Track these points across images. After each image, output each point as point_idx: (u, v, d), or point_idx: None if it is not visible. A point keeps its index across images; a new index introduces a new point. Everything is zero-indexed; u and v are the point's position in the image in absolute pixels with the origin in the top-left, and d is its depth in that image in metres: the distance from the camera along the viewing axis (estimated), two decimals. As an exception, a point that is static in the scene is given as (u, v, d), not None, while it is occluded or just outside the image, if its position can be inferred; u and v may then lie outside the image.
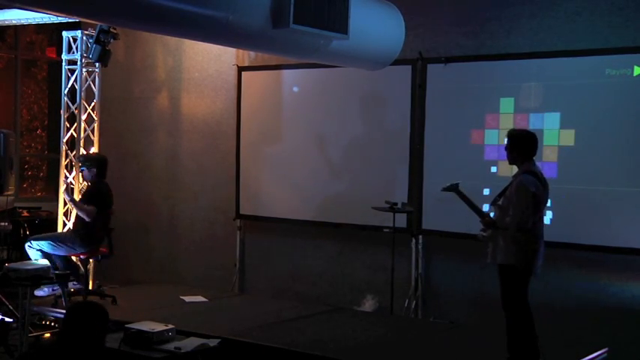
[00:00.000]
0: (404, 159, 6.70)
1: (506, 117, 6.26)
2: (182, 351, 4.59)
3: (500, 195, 4.91)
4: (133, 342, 4.66)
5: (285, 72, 7.37)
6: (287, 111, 7.41)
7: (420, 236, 6.70)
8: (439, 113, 6.57)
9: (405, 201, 6.55)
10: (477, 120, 6.39)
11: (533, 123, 6.09)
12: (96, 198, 6.50)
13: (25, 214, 7.97)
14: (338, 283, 7.17)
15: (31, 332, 5.74)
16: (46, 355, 3.05)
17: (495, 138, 6.30)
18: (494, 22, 6.41)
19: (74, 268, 6.54)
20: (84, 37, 7.30)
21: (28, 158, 9.73)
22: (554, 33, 6.14)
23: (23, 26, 8.44)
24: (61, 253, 6.39)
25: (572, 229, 5.92)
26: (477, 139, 6.40)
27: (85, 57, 7.32)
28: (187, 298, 6.76)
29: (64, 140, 7.60)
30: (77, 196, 7.08)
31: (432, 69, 6.57)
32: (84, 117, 7.54)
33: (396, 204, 6.30)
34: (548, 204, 5.13)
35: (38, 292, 6.24)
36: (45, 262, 6.09)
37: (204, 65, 7.98)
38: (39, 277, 5.81)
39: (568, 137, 6.00)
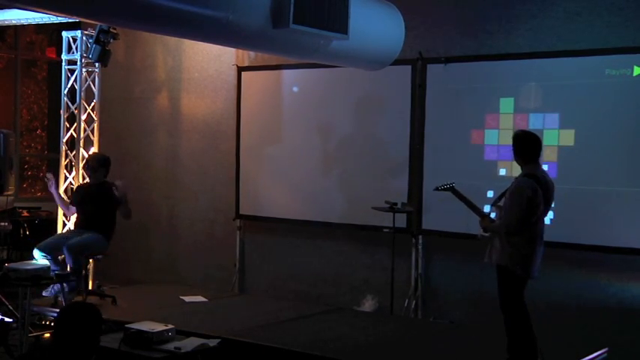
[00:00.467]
0: (404, 159, 6.70)
1: (506, 117, 6.26)
2: (182, 351, 4.59)
3: (501, 196, 4.91)
4: (132, 342, 4.66)
5: (285, 72, 7.37)
6: (287, 111, 7.41)
7: (420, 236, 6.70)
8: (439, 113, 6.58)
9: (405, 201, 6.55)
10: (476, 120, 6.39)
11: (533, 123, 6.09)
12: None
13: (25, 214, 7.97)
14: (338, 283, 7.17)
15: (31, 332, 5.74)
16: (43, 356, 3.04)
17: (495, 138, 6.30)
18: (494, 22, 6.41)
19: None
20: (84, 37, 7.31)
21: (27, 158, 9.73)
22: (554, 33, 6.14)
23: (23, 26, 8.45)
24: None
25: (572, 229, 5.92)
26: (477, 139, 6.40)
27: (85, 57, 7.33)
28: (187, 298, 6.76)
29: (64, 140, 7.60)
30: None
31: (432, 69, 6.58)
32: (84, 117, 7.54)
33: (395, 204, 6.30)
34: (548, 204, 5.13)
35: (45, 293, 6.23)
36: (45, 262, 6.08)
37: (204, 65, 7.98)
38: (39, 277, 5.80)
39: (568, 137, 6.00)
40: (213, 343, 4.79)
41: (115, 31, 6.91)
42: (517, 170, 5.02)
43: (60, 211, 7.36)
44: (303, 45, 5.46)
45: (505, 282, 4.79)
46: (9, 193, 7.25)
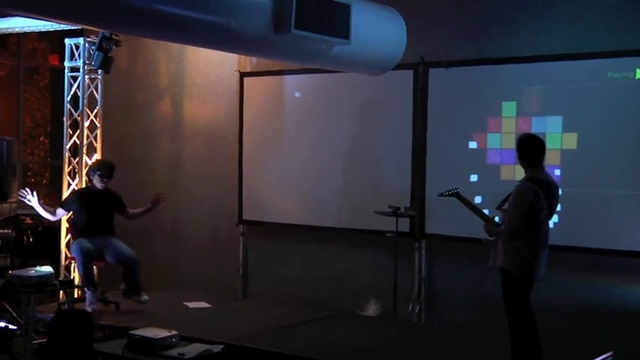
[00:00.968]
0: (406, 163, 6.70)
1: (509, 121, 6.25)
2: (186, 357, 4.59)
3: (505, 200, 4.91)
4: (136, 348, 4.67)
5: (287, 77, 7.37)
6: (289, 116, 7.42)
7: (423, 240, 6.70)
8: (441, 117, 6.57)
9: (408, 205, 6.55)
10: (479, 124, 6.38)
11: (535, 127, 6.08)
12: None
13: (28, 221, 7.96)
14: (341, 288, 7.16)
15: (35, 339, 5.74)
16: None
17: (497, 142, 6.30)
18: (495, 25, 6.41)
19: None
20: (86, 44, 7.32)
21: (31, 165, 9.75)
22: (556, 36, 6.14)
23: (26, 34, 8.47)
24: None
25: (576, 233, 5.91)
26: (479, 143, 6.39)
27: (88, 64, 7.34)
28: (191, 304, 6.76)
29: (67, 147, 7.61)
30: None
31: (434, 73, 6.58)
32: (87, 124, 7.55)
33: (398, 208, 6.30)
34: (552, 207, 5.11)
35: (89, 308, 6.20)
36: (48, 269, 6.08)
37: (207, 71, 7.99)
38: (42, 283, 5.81)
39: (571, 141, 6.00)
40: (217, 348, 4.80)
41: (117, 38, 6.93)
42: (520, 173, 5.02)
43: (63, 218, 7.36)
44: (305, 50, 5.46)
45: (509, 285, 4.79)
46: (12, 200, 7.26)
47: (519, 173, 5.03)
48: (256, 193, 7.55)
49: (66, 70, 7.54)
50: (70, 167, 7.58)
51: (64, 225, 7.37)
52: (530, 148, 4.84)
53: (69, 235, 7.26)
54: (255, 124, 7.58)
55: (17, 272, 5.93)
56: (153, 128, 8.35)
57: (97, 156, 7.58)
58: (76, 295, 7.07)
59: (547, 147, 5.76)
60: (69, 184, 7.52)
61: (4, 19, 7.33)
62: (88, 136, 7.57)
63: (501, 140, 6.28)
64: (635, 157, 5.78)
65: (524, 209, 4.67)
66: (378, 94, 6.89)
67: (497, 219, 5.02)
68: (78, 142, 7.52)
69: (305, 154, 7.28)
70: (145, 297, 6.57)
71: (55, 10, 4.35)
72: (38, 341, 5.84)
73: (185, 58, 8.10)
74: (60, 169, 7.78)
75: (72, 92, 7.54)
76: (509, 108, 6.26)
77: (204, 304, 6.79)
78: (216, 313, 6.57)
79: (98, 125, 7.68)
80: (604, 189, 5.87)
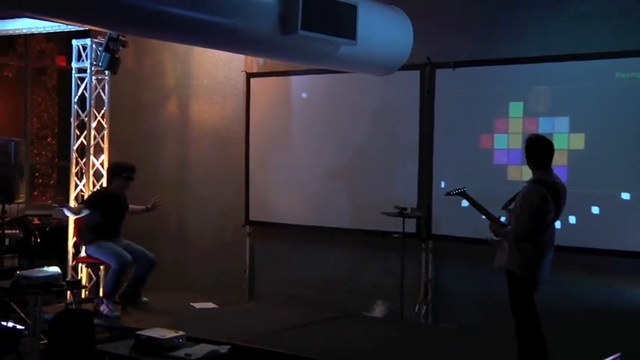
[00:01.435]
0: (413, 164, 6.69)
1: (516, 121, 6.24)
2: (192, 357, 4.60)
3: (511, 200, 4.89)
4: (143, 349, 4.68)
5: (294, 78, 7.38)
6: (296, 117, 7.42)
7: (430, 241, 6.69)
8: (448, 118, 6.56)
9: (415, 206, 6.54)
10: (486, 124, 6.37)
11: (542, 127, 6.06)
12: None
13: (36, 221, 8.00)
14: (347, 289, 7.15)
15: (42, 339, 5.75)
16: None
17: (504, 142, 6.28)
18: (502, 26, 6.39)
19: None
20: (93, 45, 7.34)
21: (38, 166, 9.79)
22: (563, 37, 6.12)
23: (33, 35, 8.50)
24: None
25: (583, 234, 5.89)
26: (486, 144, 6.38)
27: (95, 65, 7.36)
28: (197, 305, 6.76)
29: (74, 148, 7.63)
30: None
31: (441, 74, 6.57)
32: (94, 125, 7.57)
33: (405, 209, 6.29)
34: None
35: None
36: (56, 269, 6.10)
37: (213, 72, 8.00)
38: (49, 284, 5.83)
39: (578, 141, 5.98)
40: (223, 349, 4.80)
41: (124, 39, 6.95)
42: (527, 174, 5.01)
43: (71, 219, 7.38)
44: (312, 51, 5.47)
45: (514, 287, 4.78)
46: (20, 201, 7.29)
47: (526, 174, 5.01)
48: (263, 193, 7.56)
49: (73, 71, 7.56)
50: (78, 168, 7.60)
51: (72, 226, 7.39)
52: (539, 150, 4.81)
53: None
54: (261, 124, 7.58)
55: (25, 273, 5.95)
56: (159, 129, 8.37)
57: (104, 157, 7.60)
58: (83, 296, 7.10)
59: (554, 147, 5.75)
60: (76, 185, 7.54)
61: (12, 20, 7.37)
62: (95, 137, 7.59)
63: (508, 141, 6.26)
64: (643, 158, 5.76)
65: (531, 212, 4.65)
66: (384, 94, 6.89)
67: (502, 219, 5.01)
68: (85, 142, 7.54)
69: (312, 154, 7.28)
70: (146, 299, 6.62)
71: (62, 10, 4.36)
72: (45, 341, 5.85)
73: (192, 58, 8.11)
74: (67, 169, 7.80)
75: (79, 93, 7.56)
76: (516, 108, 6.25)
77: (210, 305, 6.80)
78: (223, 313, 6.57)
79: (105, 126, 7.70)
80: (611, 189, 5.85)
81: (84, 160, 7.54)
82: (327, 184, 7.17)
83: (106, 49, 6.91)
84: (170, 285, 7.86)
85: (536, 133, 5.47)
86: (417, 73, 6.64)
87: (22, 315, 6.11)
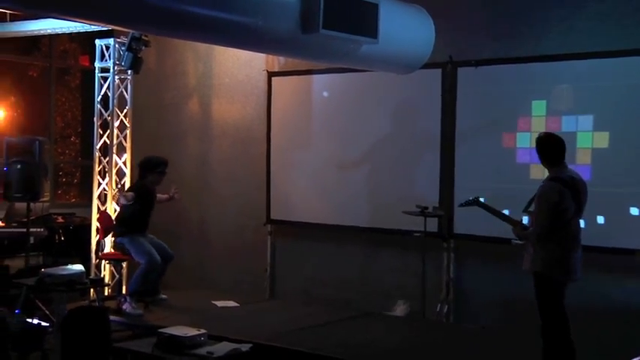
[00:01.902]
0: (435, 163, 6.66)
1: (539, 120, 6.19)
2: (214, 356, 4.61)
3: (530, 201, 4.86)
4: (165, 347, 4.70)
5: (315, 77, 7.38)
6: (317, 116, 7.42)
7: (452, 240, 6.65)
8: (470, 117, 6.52)
9: (436, 205, 6.51)
10: (508, 123, 6.32)
11: (566, 125, 6.01)
12: None
13: (60, 220, 8.08)
14: (368, 288, 7.14)
15: (66, 336, 5.80)
16: None
17: (527, 141, 6.23)
18: (524, 24, 6.34)
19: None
20: (116, 45, 7.40)
21: (62, 165, 9.88)
22: (586, 34, 6.06)
23: (57, 35, 8.59)
24: None
25: (608, 233, 5.82)
26: (508, 143, 6.34)
27: (118, 64, 7.42)
28: (219, 303, 6.79)
29: (97, 147, 7.70)
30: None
31: (463, 72, 6.53)
32: (116, 124, 7.64)
33: (426, 208, 6.26)
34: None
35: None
36: (79, 267, 6.15)
37: (235, 71, 8.02)
38: (73, 282, 5.89)
39: (602, 139, 5.91)
40: (245, 347, 4.81)
41: (146, 39, 7.00)
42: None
43: (94, 217, 7.46)
44: (333, 50, 5.46)
45: (541, 288, 4.72)
46: (44, 199, 7.36)
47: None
48: (284, 192, 7.57)
49: (96, 71, 7.63)
50: (100, 167, 7.67)
51: (94, 224, 7.46)
52: (549, 148, 4.79)
53: (99, 234, 7.33)
54: (282, 123, 7.59)
55: (49, 270, 6.02)
56: (181, 128, 8.41)
57: (127, 156, 7.66)
58: (106, 293, 7.16)
59: (577, 146, 5.70)
60: (99, 184, 7.61)
61: (37, 20, 7.44)
62: (117, 136, 7.65)
63: (531, 139, 6.19)
64: (669, 157, 5.68)
65: (549, 210, 4.62)
66: (406, 93, 6.86)
67: (525, 220, 4.96)
68: (108, 141, 7.61)
69: (333, 153, 7.27)
70: (165, 296, 6.66)
71: (86, 11, 4.40)
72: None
73: (213, 58, 8.14)
74: (90, 168, 7.87)
75: (102, 92, 7.62)
76: (539, 107, 6.20)
77: (232, 304, 6.82)
78: (244, 312, 6.60)
79: (127, 125, 7.76)
80: (636, 188, 5.78)
81: (107, 158, 7.61)
82: (348, 183, 7.16)
83: (129, 48, 6.96)
84: (191, 283, 7.91)
85: (544, 131, 5.40)
86: (439, 71, 6.61)
87: (47, 312, 6.17)
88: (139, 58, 7.04)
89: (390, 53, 5.79)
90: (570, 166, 4.94)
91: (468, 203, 5.15)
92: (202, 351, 4.66)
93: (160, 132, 8.52)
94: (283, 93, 7.60)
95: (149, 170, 6.67)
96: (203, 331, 4.86)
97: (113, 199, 7.40)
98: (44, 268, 6.48)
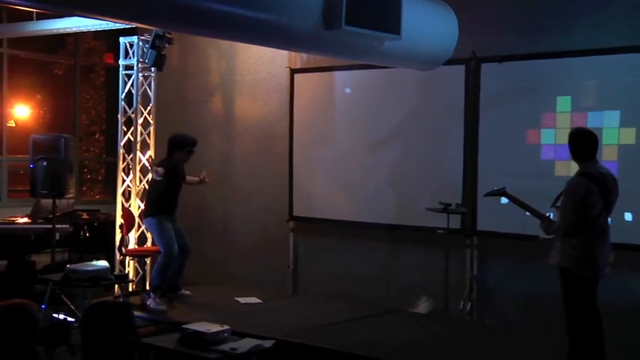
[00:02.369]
0: (458, 159, 6.62)
1: (564, 116, 6.12)
2: (237, 352, 4.63)
3: (558, 197, 4.81)
4: (189, 342, 4.73)
5: (338, 73, 7.37)
6: (340, 112, 7.41)
7: (475, 237, 6.61)
8: (493, 113, 6.47)
9: (459, 202, 6.47)
10: (532, 119, 6.27)
11: (591, 121, 5.93)
12: None
13: (85, 216, 8.16)
14: (391, 285, 7.12)
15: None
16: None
17: (552, 137, 6.17)
18: (549, 19, 6.27)
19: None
20: (140, 43, 7.45)
21: (87, 162, 9.98)
22: (612, 29, 5.97)
23: (82, 33, 8.66)
24: None
25: (635, 230, 5.75)
26: (532, 139, 6.28)
27: (142, 62, 7.47)
28: (242, 300, 6.82)
29: (122, 144, 7.77)
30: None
31: (486, 68, 6.48)
32: (140, 121, 7.69)
33: (450, 205, 6.23)
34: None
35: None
36: (104, 263, 6.21)
37: (257, 68, 8.04)
38: (98, 278, 5.95)
39: (629, 135, 5.83)
40: (268, 344, 4.82)
41: (170, 36, 7.03)
42: (575, 169, 4.89)
43: (118, 214, 7.51)
44: (356, 46, 5.45)
45: (568, 284, 4.66)
46: (69, 196, 7.44)
47: (574, 169, 4.90)
48: (306, 189, 7.57)
49: (120, 69, 7.69)
50: (125, 164, 7.73)
51: (118, 221, 7.52)
52: (581, 143, 4.74)
53: (120, 232, 7.39)
54: (305, 120, 7.59)
55: (74, 266, 6.09)
56: (204, 125, 8.44)
57: (151, 152, 7.71)
58: (130, 289, 7.22)
59: (604, 142, 5.60)
60: (123, 181, 7.67)
61: (62, 19, 7.52)
62: (141, 133, 7.71)
63: (555, 136, 6.14)
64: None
65: (576, 205, 4.58)
66: (429, 89, 6.83)
67: (551, 216, 4.91)
68: (132, 138, 7.66)
69: (355, 150, 7.26)
70: (188, 291, 6.69)
71: (111, 9, 4.43)
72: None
73: (236, 55, 8.16)
74: (114, 165, 7.94)
75: (126, 90, 7.68)
76: (563, 103, 6.13)
77: (255, 300, 6.84)
78: (267, 308, 6.61)
79: (151, 122, 7.81)
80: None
81: (130, 155, 7.67)
82: (371, 180, 7.14)
83: (152, 46, 7.00)
84: (214, 280, 7.94)
85: (578, 126, 5.35)
86: (462, 67, 6.57)
87: (72, 307, 6.25)
88: (162, 55, 7.08)
89: (413, 49, 5.77)
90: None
91: (494, 193, 5.10)
92: (226, 347, 4.68)
93: (183, 129, 8.50)
94: (306, 90, 7.60)
95: (178, 148, 6.65)
96: (226, 327, 4.88)
97: (137, 195, 7.46)
98: (70, 264, 6.55)
